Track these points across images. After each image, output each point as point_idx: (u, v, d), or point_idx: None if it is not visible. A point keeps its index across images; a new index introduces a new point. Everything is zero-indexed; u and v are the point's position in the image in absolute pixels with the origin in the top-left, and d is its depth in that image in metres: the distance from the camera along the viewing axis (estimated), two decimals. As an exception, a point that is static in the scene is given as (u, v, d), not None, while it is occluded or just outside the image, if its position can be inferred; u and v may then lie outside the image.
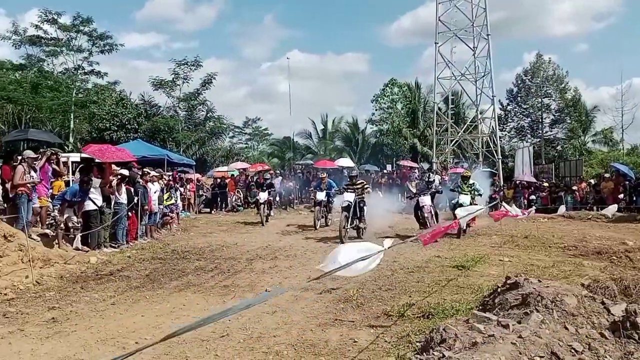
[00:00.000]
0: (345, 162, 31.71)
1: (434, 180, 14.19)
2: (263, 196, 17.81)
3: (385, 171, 31.96)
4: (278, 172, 30.88)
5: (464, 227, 12.53)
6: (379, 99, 45.58)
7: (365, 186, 13.98)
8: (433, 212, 13.46)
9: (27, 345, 5.11)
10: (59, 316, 6.14)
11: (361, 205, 13.47)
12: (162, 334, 5.29)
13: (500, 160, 32.41)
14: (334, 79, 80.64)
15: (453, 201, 13.86)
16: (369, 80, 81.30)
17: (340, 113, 74.02)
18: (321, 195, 16.31)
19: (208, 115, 40.20)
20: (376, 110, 45.72)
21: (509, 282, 4.81)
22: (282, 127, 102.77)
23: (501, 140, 37.19)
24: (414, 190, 14.32)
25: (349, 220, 12.96)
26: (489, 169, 28.74)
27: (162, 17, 77.87)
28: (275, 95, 74.66)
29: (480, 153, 34.09)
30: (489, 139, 34.21)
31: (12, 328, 5.66)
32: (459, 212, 12.07)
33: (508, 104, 44.63)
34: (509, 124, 44.91)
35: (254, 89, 79.35)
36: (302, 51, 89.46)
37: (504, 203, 15.99)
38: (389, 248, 3.72)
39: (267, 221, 17.67)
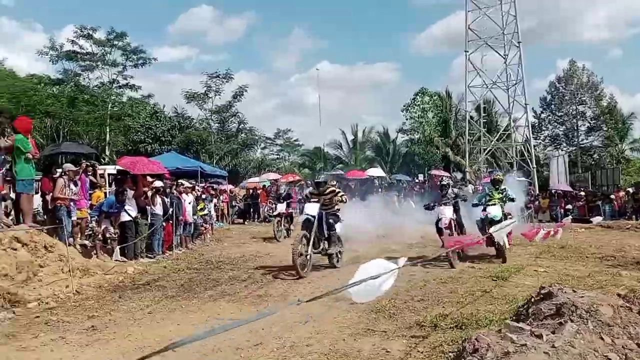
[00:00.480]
0: (376, 172, 31.68)
1: (448, 184, 11.75)
2: (280, 208, 16.43)
3: (417, 181, 31.80)
4: (309, 182, 31.04)
5: (506, 245, 10.26)
6: (410, 108, 45.39)
7: (339, 193, 10.57)
8: (454, 225, 11.01)
9: (69, 352, 5.27)
10: (98, 324, 6.31)
11: (330, 221, 10.12)
12: (198, 343, 5.42)
13: (534, 169, 31.93)
14: (363, 89, 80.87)
15: (481, 216, 11.06)
16: (399, 89, 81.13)
17: (370, 123, 73.94)
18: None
19: (240, 127, 40.72)
20: (407, 119, 45.57)
21: (542, 292, 4.77)
22: (313, 138, 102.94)
23: (535, 149, 36.64)
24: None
25: (311, 242, 9.61)
26: (524, 178, 28.25)
27: (194, 31, 79.35)
28: (305, 107, 75.12)
29: (514, 162, 33.63)
30: (522, 147, 33.76)
31: (54, 335, 5.84)
32: (494, 231, 9.40)
33: (542, 112, 44.12)
34: (543, 132, 44.34)
35: (284, 100, 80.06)
36: (332, 62, 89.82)
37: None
38: (403, 266, 3.62)
39: (288, 235, 15.94)
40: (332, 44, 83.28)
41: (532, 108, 40.17)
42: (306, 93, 77.90)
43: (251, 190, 25.38)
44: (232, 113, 39.47)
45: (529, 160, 32.29)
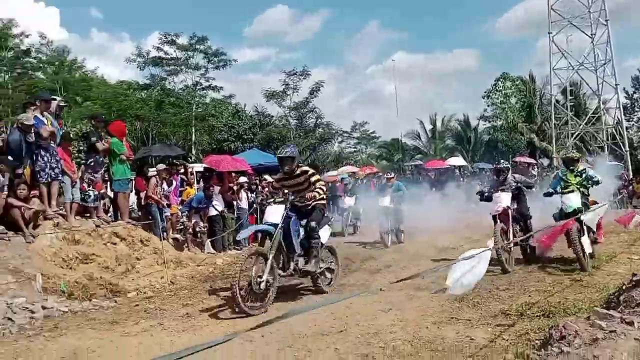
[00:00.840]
0: (457, 161, 30.93)
1: (507, 168, 9.71)
2: (348, 202, 15.57)
3: (500, 168, 30.81)
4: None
5: (588, 249, 8.09)
6: (491, 94, 43.90)
7: (312, 176, 7.16)
8: (515, 216, 8.92)
9: (167, 337, 5.64)
10: (192, 312, 6.71)
11: (312, 224, 6.93)
12: (285, 329, 5.65)
13: (628, 152, 30.20)
14: (441, 77, 78.93)
15: (557, 209, 8.75)
16: (479, 76, 78.49)
17: (449, 112, 72.02)
18: (385, 202, 12.30)
19: (317, 122, 41.10)
20: (488, 106, 44.13)
21: (635, 279, 4.61)
22: (390, 129, 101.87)
23: (628, 131, 34.53)
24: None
25: (269, 263, 6.40)
26: (616, 163, 26.69)
27: (270, 31, 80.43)
28: (382, 98, 74.35)
29: (605, 145, 31.92)
30: (614, 130, 31.97)
31: (152, 322, 6.27)
32: (585, 218, 8.04)
33: (634, 92, 41.43)
34: (636, 113, 41.68)
35: (360, 93, 79.61)
36: (408, 52, 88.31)
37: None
38: (493, 248, 3.65)
39: (354, 232, 15.23)
40: (407, 34, 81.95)
41: (624, 88, 37.93)
42: (382, 85, 77.24)
43: (330, 184, 25.63)
44: (309, 109, 39.92)
45: (621, 144, 30.60)
